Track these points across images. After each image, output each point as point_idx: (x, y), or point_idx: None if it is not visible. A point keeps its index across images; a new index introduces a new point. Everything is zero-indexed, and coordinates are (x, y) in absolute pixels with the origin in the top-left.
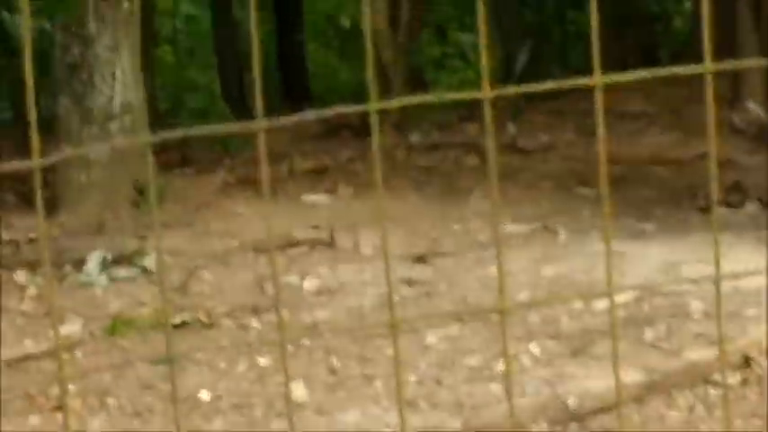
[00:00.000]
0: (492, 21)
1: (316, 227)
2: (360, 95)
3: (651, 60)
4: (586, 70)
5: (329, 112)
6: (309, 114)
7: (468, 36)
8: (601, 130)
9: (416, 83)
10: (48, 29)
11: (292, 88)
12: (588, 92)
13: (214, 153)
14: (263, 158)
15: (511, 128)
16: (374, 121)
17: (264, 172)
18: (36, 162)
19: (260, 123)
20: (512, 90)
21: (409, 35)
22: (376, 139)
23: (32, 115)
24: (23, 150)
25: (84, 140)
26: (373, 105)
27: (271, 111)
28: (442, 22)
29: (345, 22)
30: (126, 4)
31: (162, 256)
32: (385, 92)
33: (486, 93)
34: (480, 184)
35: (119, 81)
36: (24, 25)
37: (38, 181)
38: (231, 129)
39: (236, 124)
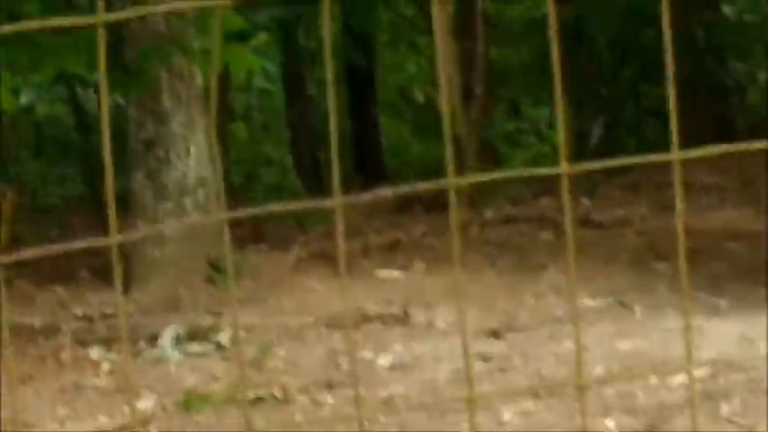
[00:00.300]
0: (566, 95)
1: (389, 302)
2: (433, 170)
3: (726, 133)
4: (661, 144)
5: (406, 188)
6: (386, 191)
7: (542, 111)
8: (679, 206)
9: (489, 157)
10: (122, 104)
11: (366, 163)
12: (663, 165)
13: (288, 228)
14: (341, 235)
15: (585, 202)
16: (452, 198)
17: (341, 248)
18: (114, 239)
19: (336, 200)
20: (589, 166)
21: (483, 110)
22: (454, 216)
23: (110, 193)
24: (97, 226)
25: (159, 216)
26: (451, 182)
27: (345, 185)
28: (515, 97)
29: (419, 96)
30: (200, 80)
31: (238, 331)
32: (458, 166)
33: (564, 169)
34: (555, 258)
35: (193, 157)
36: (102, 102)
37: (116, 257)
38: (308, 205)
39: (313, 201)
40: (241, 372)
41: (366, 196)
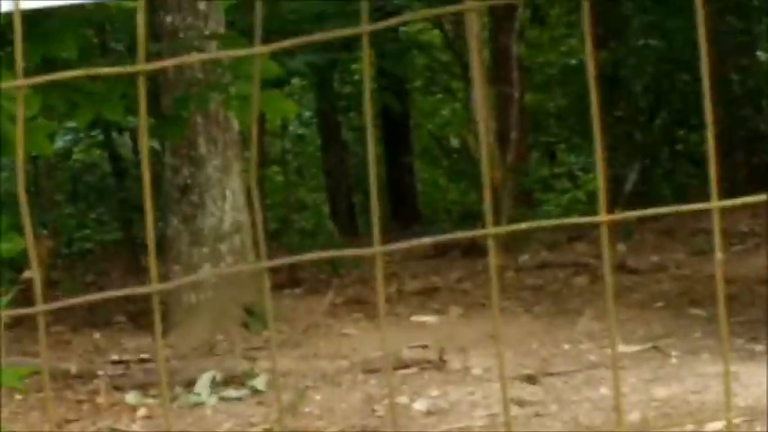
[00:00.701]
0: (602, 141)
1: (425, 347)
2: (468, 215)
3: (759, 178)
4: (695, 189)
5: (445, 236)
6: (425, 239)
7: (577, 157)
8: (719, 254)
9: (525, 203)
10: (157, 149)
11: (401, 209)
12: (698, 212)
13: (323, 273)
14: (380, 281)
15: (621, 248)
16: (491, 245)
17: (381, 295)
18: (155, 287)
19: (376, 248)
20: (629, 215)
21: (518, 155)
22: (493, 263)
23: (151, 242)
24: (132, 271)
25: (194, 261)
26: (490, 231)
27: (381, 231)
28: (550, 143)
29: (454, 141)
30: (236, 126)
31: (278, 377)
32: (493, 212)
33: (604, 218)
34: (590, 304)
35: (229, 202)
36: (143, 150)
37: (156, 306)
38: (347, 253)
39: (353, 249)
40: (279, 416)
41: (405, 245)
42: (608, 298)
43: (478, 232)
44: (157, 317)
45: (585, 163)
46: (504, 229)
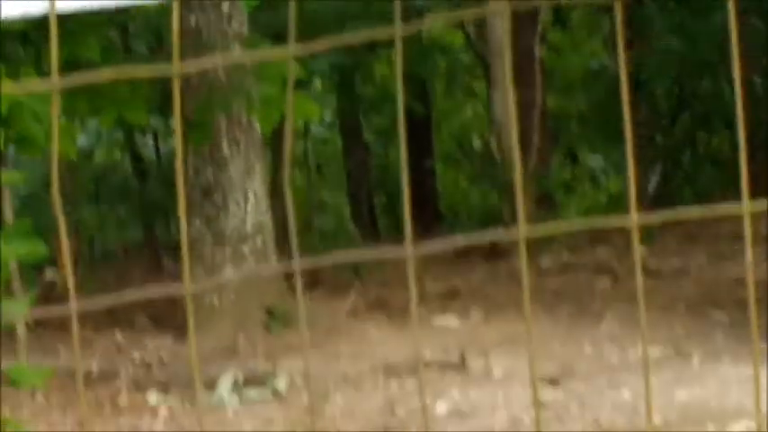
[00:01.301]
0: (622, 145)
1: (447, 350)
2: (490, 218)
3: None
4: (716, 191)
5: (478, 237)
6: (459, 240)
7: (598, 159)
8: (749, 257)
9: (545, 206)
10: None
11: (423, 212)
12: (719, 216)
13: (344, 276)
14: (412, 283)
15: (643, 251)
16: (522, 248)
17: (413, 296)
18: (188, 287)
19: (408, 249)
20: (658, 217)
21: (540, 157)
22: (524, 264)
23: (184, 244)
24: (155, 271)
25: (217, 263)
26: (522, 232)
27: (402, 234)
28: (571, 145)
29: (475, 143)
30: (258, 127)
31: (310, 378)
32: (515, 215)
33: (634, 220)
34: (611, 306)
35: (251, 203)
36: (178, 153)
37: (191, 308)
38: (378, 255)
39: (386, 250)
40: (311, 414)
41: (437, 245)
42: (639, 298)
43: (510, 234)
44: (191, 321)
45: (606, 166)
46: (536, 230)
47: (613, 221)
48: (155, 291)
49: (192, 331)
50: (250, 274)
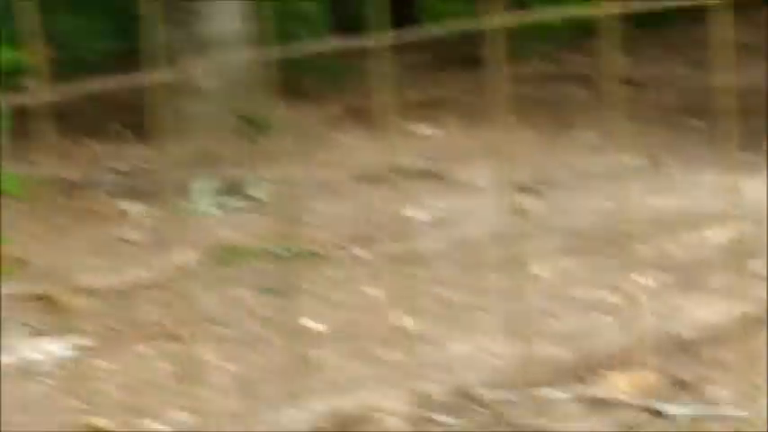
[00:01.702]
0: None
1: (426, 158)
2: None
3: None
4: None
5: (443, 29)
6: (436, 29)
7: None
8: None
9: (519, 5)
10: None
11: (401, 19)
12: (700, 23)
13: (323, 84)
14: (387, 77)
15: (621, 60)
16: (490, 37)
17: (383, 103)
18: (155, 77)
19: (382, 39)
20: (632, 7)
21: None
22: (501, 59)
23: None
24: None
25: (192, 69)
26: (495, 21)
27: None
28: None
29: None
30: None
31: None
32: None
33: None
34: (590, 115)
35: (229, 10)
36: None
37: (157, 102)
38: (353, 44)
39: (359, 40)
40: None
41: (412, 35)
42: (615, 106)
43: (481, 23)
44: (157, 121)
45: None
46: (505, 19)
47: (585, 11)
48: (123, 79)
49: (161, 133)
50: (227, 80)
